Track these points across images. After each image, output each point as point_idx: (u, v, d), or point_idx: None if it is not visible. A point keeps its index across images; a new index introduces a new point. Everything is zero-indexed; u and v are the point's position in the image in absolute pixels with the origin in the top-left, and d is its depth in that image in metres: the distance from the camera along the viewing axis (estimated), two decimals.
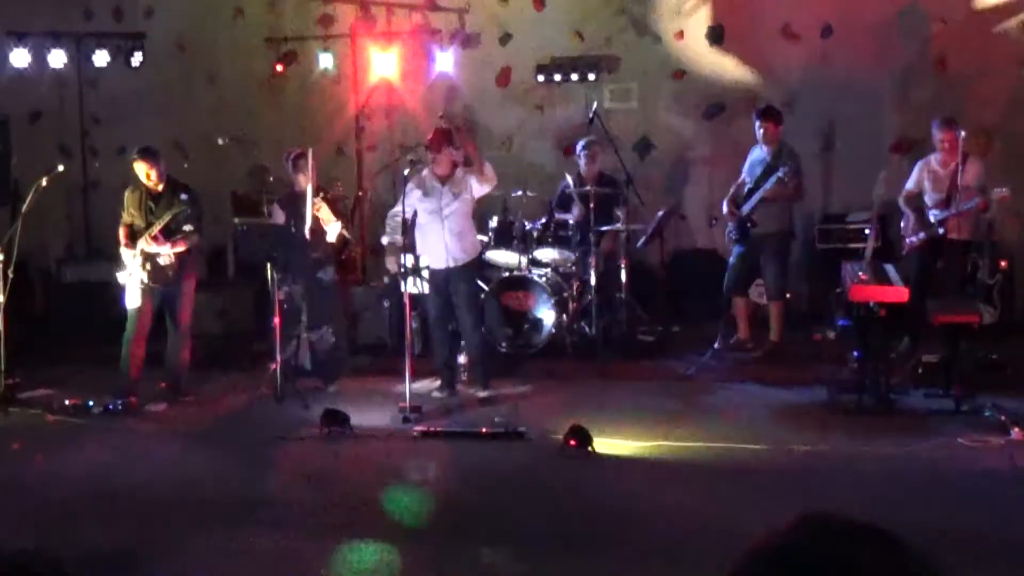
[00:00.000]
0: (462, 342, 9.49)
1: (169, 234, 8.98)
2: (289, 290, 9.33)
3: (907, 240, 9.85)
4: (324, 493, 6.93)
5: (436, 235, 8.87)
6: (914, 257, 9.68)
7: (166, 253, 8.99)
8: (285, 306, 9.19)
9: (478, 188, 8.96)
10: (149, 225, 9.00)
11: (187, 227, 9.02)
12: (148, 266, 9.01)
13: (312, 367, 9.61)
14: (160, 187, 9.11)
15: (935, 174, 9.72)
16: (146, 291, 9.10)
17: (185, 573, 5.85)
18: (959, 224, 9.58)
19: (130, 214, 9.16)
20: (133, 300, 9.04)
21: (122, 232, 9.17)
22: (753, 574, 1.53)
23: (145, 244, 8.96)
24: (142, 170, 9.06)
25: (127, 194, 9.26)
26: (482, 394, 9.13)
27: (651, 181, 12.09)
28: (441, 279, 9.13)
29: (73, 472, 7.40)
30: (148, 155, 9.08)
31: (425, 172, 9.00)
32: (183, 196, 9.05)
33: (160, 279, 9.07)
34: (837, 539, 1.51)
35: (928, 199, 9.74)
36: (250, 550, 5.99)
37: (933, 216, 9.63)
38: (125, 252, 9.09)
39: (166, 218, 8.91)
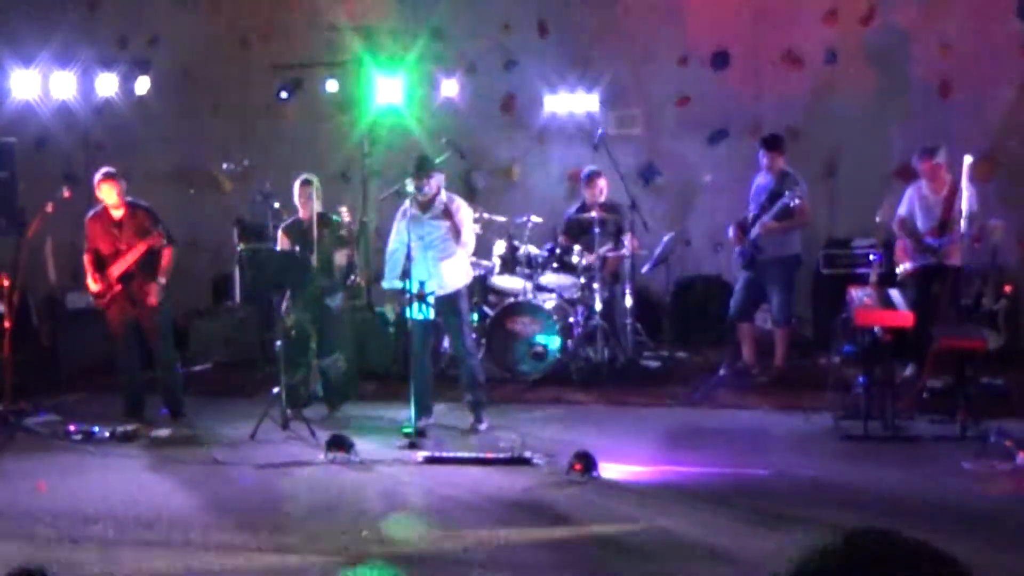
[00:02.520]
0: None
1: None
2: (297, 317, 9.29)
3: (901, 267, 9.84)
4: (330, 518, 6.91)
5: (421, 263, 8.84)
6: (910, 283, 9.65)
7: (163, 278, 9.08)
8: (293, 333, 9.17)
9: (455, 230, 8.93)
10: (117, 251, 9.05)
11: (163, 242, 9.06)
12: (125, 293, 9.10)
13: (324, 393, 9.59)
14: (121, 211, 9.14)
15: (925, 200, 9.73)
16: (125, 319, 9.22)
17: None
18: (954, 250, 9.59)
19: (94, 242, 9.20)
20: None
21: (87, 260, 9.23)
22: None
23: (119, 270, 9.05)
24: (111, 192, 9.06)
25: (89, 222, 9.29)
26: (480, 427, 8.94)
27: (656, 207, 12.11)
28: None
29: (80, 498, 7.37)
30: (113, 177, 9.08)
31: (409, 200, 8.97)
32: (150, 217, 9.17)
33: (136, 305, 9.20)
34: (897, 556, 1.49)
35: (921, 225, 9.74)
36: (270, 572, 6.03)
37: (927, 243, 9.64)
38: (93, 283, 9.15)
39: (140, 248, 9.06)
